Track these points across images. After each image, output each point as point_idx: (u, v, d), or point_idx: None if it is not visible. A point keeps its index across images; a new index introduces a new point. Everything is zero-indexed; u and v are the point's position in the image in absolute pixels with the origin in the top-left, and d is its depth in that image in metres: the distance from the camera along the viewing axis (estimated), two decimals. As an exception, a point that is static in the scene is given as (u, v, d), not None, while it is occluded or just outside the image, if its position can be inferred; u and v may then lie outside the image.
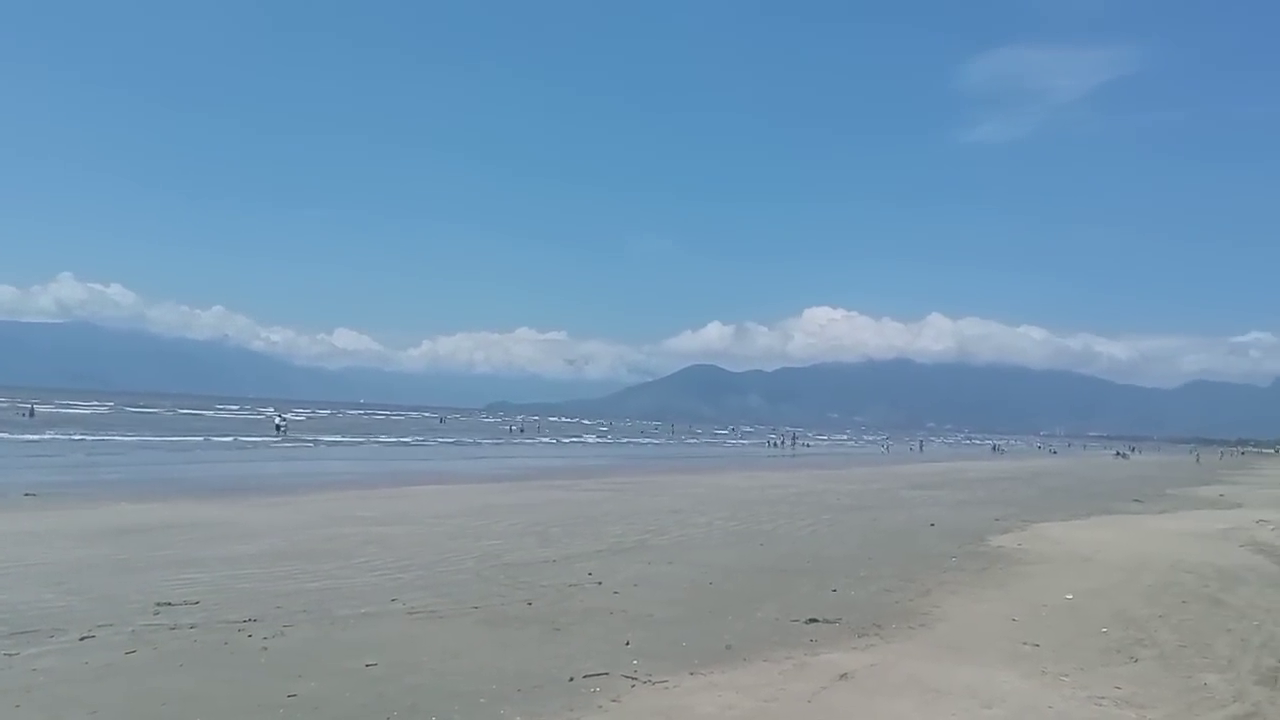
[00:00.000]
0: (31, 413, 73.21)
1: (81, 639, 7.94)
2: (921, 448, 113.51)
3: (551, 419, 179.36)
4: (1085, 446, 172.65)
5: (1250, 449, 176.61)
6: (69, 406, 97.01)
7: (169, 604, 9.31)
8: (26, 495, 20.10)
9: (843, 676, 7.42)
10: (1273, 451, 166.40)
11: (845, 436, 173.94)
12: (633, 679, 7.22)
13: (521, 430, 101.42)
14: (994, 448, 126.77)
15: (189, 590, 10.04)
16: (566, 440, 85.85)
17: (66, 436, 49.03)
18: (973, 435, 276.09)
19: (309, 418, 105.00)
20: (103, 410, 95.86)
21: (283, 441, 56.79)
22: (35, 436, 46.80)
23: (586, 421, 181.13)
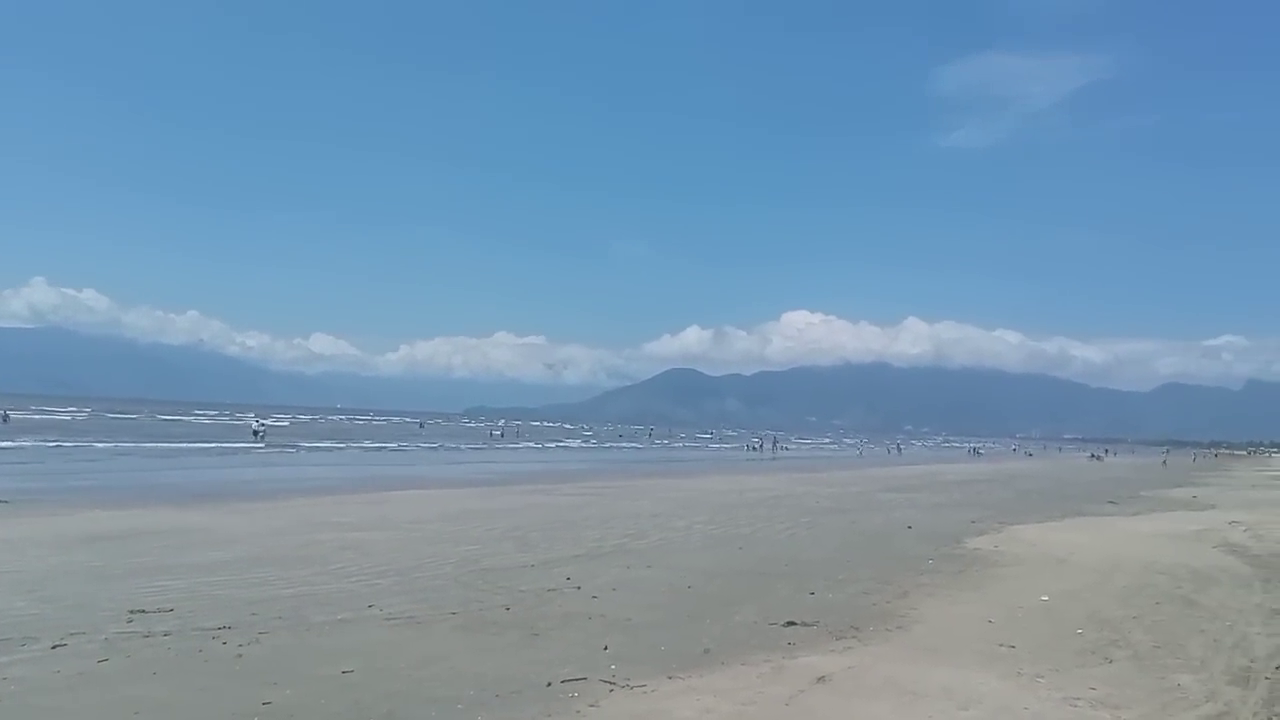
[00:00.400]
0: (5, 418, 72.31)
1: (53, 647, 7.85)
2: (900, 450, 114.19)
3: (533, 423, 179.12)
4: (1060, 449, 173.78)
5: (1223, 451, 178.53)
6: (48, 412, 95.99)
7: (143, 611, 9.22)
8: (-2, 502, 19.85)
9: (820, 679, 7.45)
10: (1245, 453, 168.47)
11: (829, 440, 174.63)
12: (611, 683, 7.21)
13: (502, 435, 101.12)
14: (974, 451, 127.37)
15: (163, 597, 9.95)
16: (546, 445, 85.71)
17: (41, 443, 48.48)
18: (950, 438, 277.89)
19: (291, 422, 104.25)
20: (82, 416, 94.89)
21: (262, 447, 56.37)
22: (10, 444, 46.20)
23: (569, 426, 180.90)
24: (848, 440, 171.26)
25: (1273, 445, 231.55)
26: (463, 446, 71.06)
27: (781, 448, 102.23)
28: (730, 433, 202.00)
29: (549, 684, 7.15)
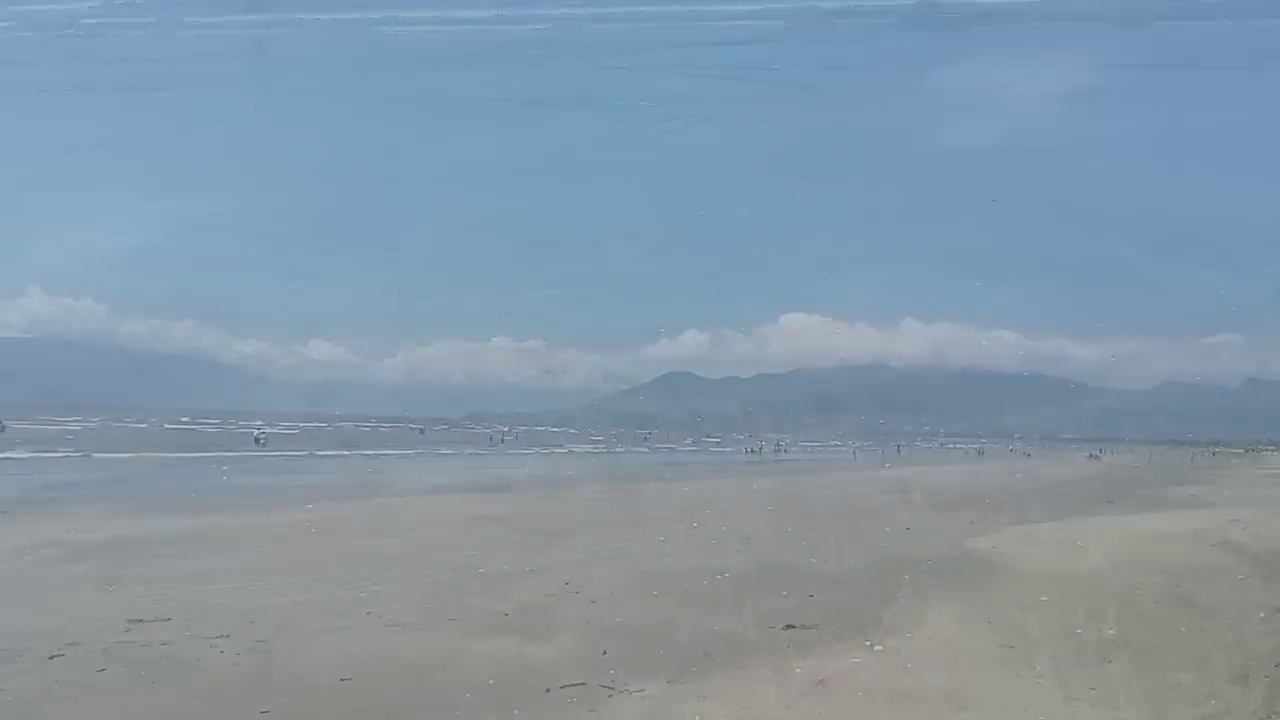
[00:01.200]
0: (1, 428, 72.05)
1: (51, 657, 7.82)
2: (899, 452, 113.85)
3: (537, 428, 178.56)
4: (1059, 448, 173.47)
5: (1221, 450, 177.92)
6: (52, 422, 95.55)
7: (141, 621, 9.19)
8: (-4, 512, 19.78)
9: (820, 682, 7.43)
10: (1243, 452, 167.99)
11: (835, 442, 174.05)
12: (610, 688, 7.19)
13: (503, 440, 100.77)
14: (979, 452, 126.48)
15: (161, 607, 9.90)
16: (546, 449, 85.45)
17: (40, 454, 48.27)
18: (950, 439, 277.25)
19: (300, 430, 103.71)
20: (92, 424, 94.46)
21: (265, 454, 56.17)
22: (8, 454, 46.02)
23: (573, 430, 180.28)
24: (852, 442, 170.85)
25: (1271, 444, 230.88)
26: (466, 452, 70.86)
27: (783, 450, 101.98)
28: (739, 435, 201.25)
29: (548, 690, 7.13)
